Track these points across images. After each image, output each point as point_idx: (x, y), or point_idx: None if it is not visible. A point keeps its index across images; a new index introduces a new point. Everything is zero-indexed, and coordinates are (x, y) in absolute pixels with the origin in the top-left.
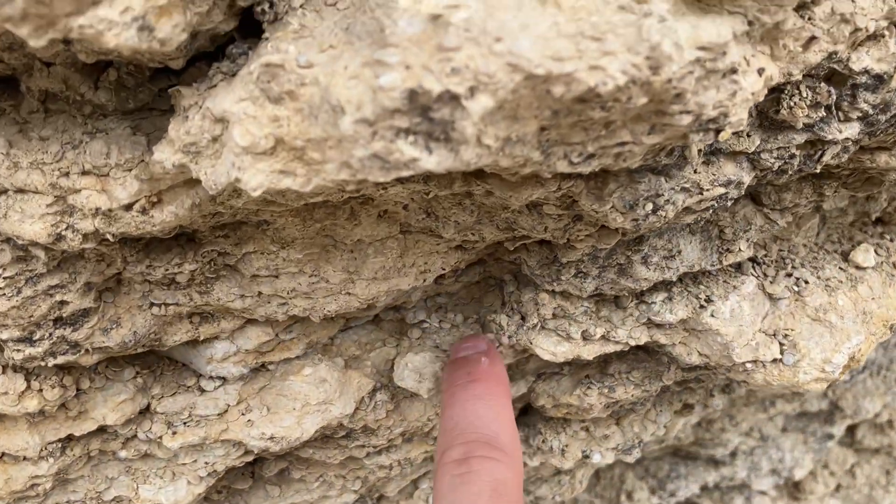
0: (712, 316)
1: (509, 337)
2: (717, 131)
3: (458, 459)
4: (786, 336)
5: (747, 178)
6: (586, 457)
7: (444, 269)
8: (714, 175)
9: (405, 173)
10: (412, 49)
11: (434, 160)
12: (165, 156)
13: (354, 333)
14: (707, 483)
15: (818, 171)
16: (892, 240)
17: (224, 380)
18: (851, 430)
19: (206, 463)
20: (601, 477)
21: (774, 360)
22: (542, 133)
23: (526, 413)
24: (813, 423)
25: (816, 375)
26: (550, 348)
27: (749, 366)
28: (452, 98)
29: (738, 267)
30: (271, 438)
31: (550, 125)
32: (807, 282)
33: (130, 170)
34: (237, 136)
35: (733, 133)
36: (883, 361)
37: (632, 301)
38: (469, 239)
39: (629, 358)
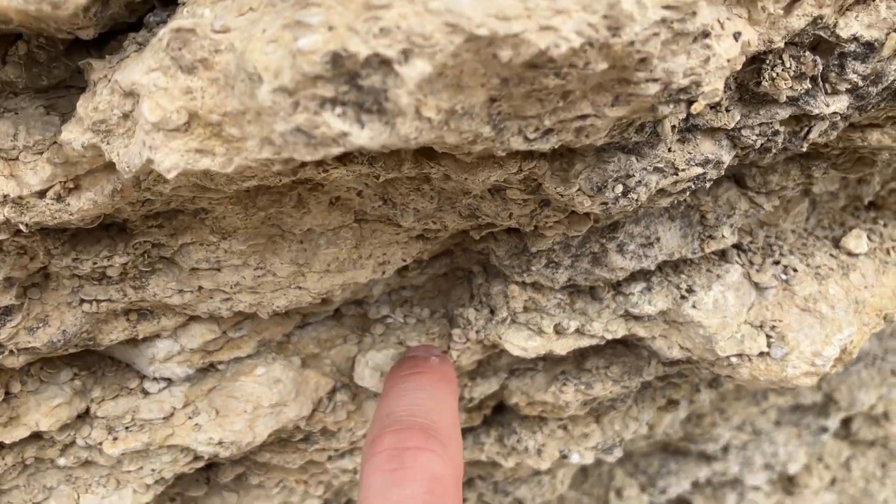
0: (694, 307)
1: (477, 332)
2: (690, 102)
3: (390, 450)
4: (773, 328)
5: (727, 158)
6: (564, 457)
7: (405, 261)
8: (690, 154)
9: (335, 150)
10: (336, 8)
11: (366, 135)
12: (74, 135)
13: (313, 330)
14: (699, 479)
15: (805, 149)
16: (885, 225)
17: (169, 381)
18: (846, 422)
19: (153, 470)
20: (589, 474)
21: (761, 354)
22: (493, 105)
23: (500, 412)
24: (807, 416)
25: (806, 369)
26: (521, 343)
27: (734, 360)
28: (383, 63)
29: (723, 255)
30: (220, 443)
31: (500, 95)
32: (795, 270)
33: (42, 153)
34: (146, 111)
35: (709, 106)
36: (878, 352)
37: (609, 292)
38: (430, 228)
39: (607, 353)
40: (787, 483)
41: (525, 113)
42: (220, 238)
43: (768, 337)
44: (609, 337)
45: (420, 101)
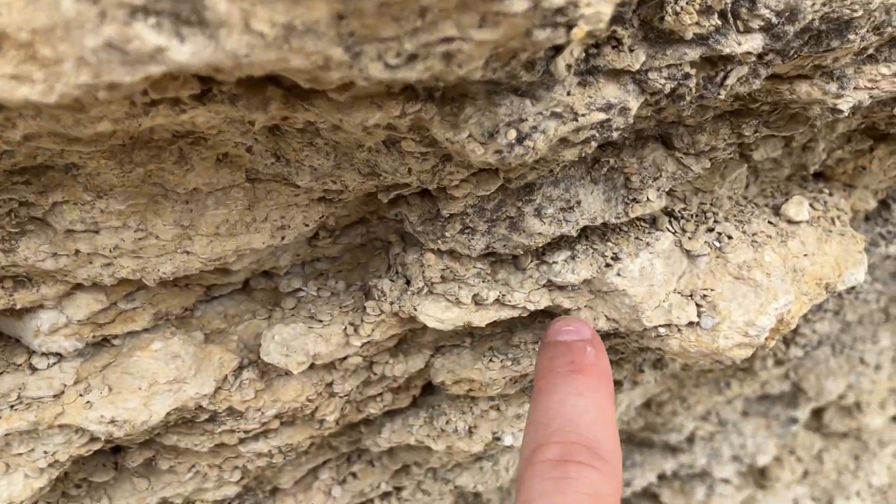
0: (619, 275)
1: (391, 303)
2: (569, 27)
3: (554, 460)
4: (704, 297)
5: (634, 104)
6: (497, 439)
7: (307, 226)
8: (591, 98)
9: (154, 69)
10: None
11: (187, 50)
12: None
13: (220, 304)
14: (664, 471)
15: (722, 96)
16: (831, 194)
17: (59, 357)
18: (818, 413)
19: (46, 452)
20: None
21: (690, 324)
22: (341, 22)
23: (429, 393)
24: (775, 407)
25: (739, 340)
26: (437, 314)
27: (662, 330)
28: None
29: (653, 222)
30: (112, 422)
31: (348, 11)
32: (730, 237)
33: None
34: None
35: (611, 46)
36: (846, 340)
37: (531, 262)
38: (331, 188)
39: (535, 327)
40: (759, 476)
41: (381, 34)
42: (96, 197)
43: (698, 306)
44: (531, 308)
45: (247, 12)
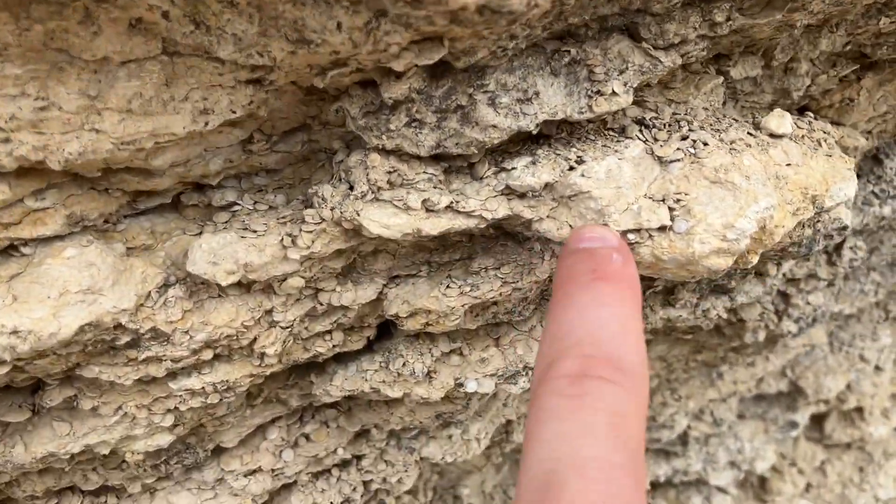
0: (583, 176)
1: (332, 209)
2: None
3: (571, 376)
4: (678, 201)
5: None
6: (460, 385)
7: (234, 112)
8: None
9: None
10: None
11: None
12: None
13: (147, 220)
14: (658, 476)
15: None
16: (816, 118)
17: None
18: (818, 422)
19: None
20: None
21: (663, 228)
22: None
23: (386, 335)
24: (773, 409)
25: (716, 245)
26: (382, 220)
27: (632, 237)
28: None
29: (623, 131)
30: (15, 333)
31: None
32: (706, 143)
33: None
34: None
35: None
36: (845, 337)
37: (489, 169)
38: (258, 64)
39: (496, 251)
40: (759, 489)
41: None
42: None
43: (671, 210)
44: (489, 217)
45: None
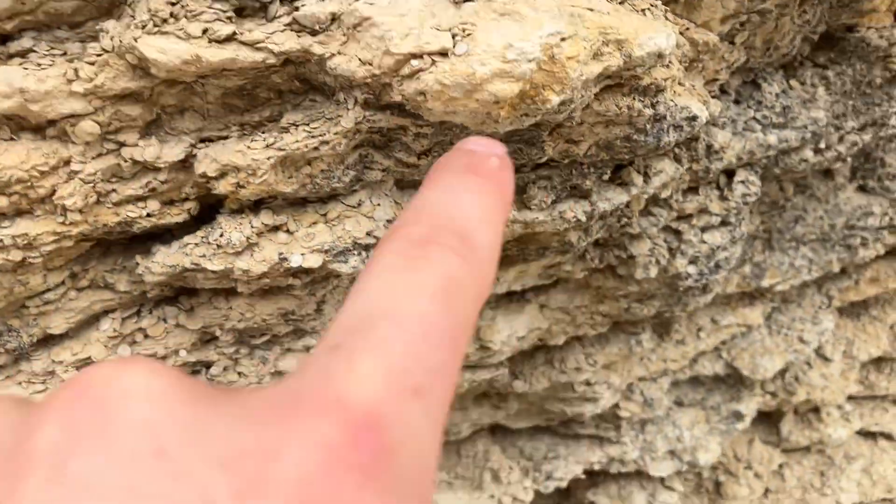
0: (366, 3)
1: (111, 38)
2: None
3: (416, 240)
4: (463, 31)
5: None
6: (284, 259)
7: None
8: None
9: None
10: None
11: None
12: None
13: None
14: (593, 464)
15: None
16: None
17: None
18: (774, 423)
19: None
20: (462, 454)
21: (444, 53)
22: None
23: (211, 216)
24: (713, 396)
25: (497, 67)
26: (160, 45)
27: (415, 62)
28: None
29: None
30: None
31: None
32: None
33: None
34: None
35: None
36: (784, 320)
37: (282, 9)
38: None
39: (306, 107)
40: (714, 493)
41: None
42: None
43: (454, 37)
44: (275, 49)
45: None
